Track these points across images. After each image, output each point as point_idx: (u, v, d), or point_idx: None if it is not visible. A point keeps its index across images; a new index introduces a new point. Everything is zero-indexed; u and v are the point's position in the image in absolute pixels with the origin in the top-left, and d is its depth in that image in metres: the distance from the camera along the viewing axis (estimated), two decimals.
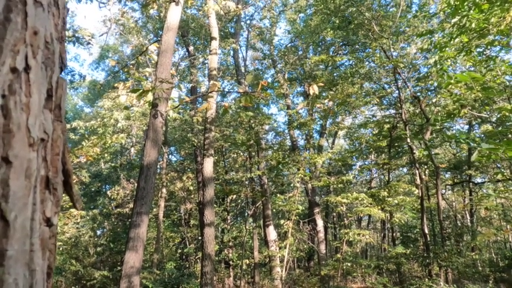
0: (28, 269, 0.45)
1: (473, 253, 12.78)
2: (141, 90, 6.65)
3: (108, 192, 16.30)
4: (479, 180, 16.14)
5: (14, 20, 0.45)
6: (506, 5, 6.94)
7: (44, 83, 0.52)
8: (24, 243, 0.45)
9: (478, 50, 8.86)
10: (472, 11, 7.33)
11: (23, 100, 0.46)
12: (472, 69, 10.41)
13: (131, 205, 15.02)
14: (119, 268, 13.40)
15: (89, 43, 14.20)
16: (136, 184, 13.86)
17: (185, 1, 10.12)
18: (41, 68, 0.51)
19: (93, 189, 17.76)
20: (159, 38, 11.82)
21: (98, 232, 17.15)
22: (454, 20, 7.66)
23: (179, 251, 18.04)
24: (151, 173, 6.61)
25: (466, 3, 7.50)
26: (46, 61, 0.52)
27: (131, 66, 12.01)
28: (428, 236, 12.22)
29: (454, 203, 19.05)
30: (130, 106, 12.66)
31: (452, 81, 6.18)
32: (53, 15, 0.56)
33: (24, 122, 0.46)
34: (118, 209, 16.21)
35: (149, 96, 6.90)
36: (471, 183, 15.31)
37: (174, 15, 7.75)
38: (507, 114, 10.47)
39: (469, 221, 16.16)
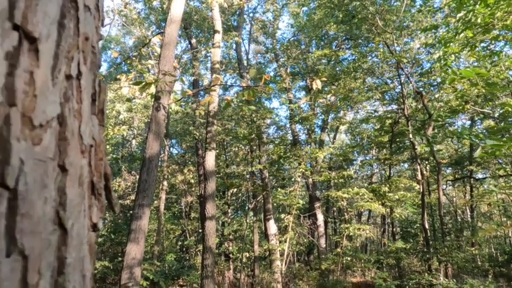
0: (81, 275, 0.45)
1: (473, 248, 12.84)
2: (144, 83, 6.63)
3: None
4: (480, 175, 16.16)
5: (67, 26, 0.45)
6: None
7: (90, 88, 0.51)
8: (80, 250, 0.45)
9: (482, 45, 8.82)
10: (477, 6, 7.29)
11: (75, 107, 0.46)
12: (476, 64, 10.37)
13: (132, 197, 15.07)
14: (120, 259, 13.48)
15: None
16: (137, 176, 13.88)
17: None
18: (89, 73, 0.51)
19: None
20: (162, 30, 11.74)
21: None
22: (459, 15, 7.61)
23: (179, 243, 18.14)
24: (153, 166, 6.62)
25: None
26: (91, 65, 0.52)
27: (133, 58, 11.97)
28: (428, 231, 12.27)
29: (454, 199, 19.10)
30: (132, 98, 12.62)
31: (457, 77, 6.15)
32: (94, 18, 0.56)
33: (77, 129, 0.46)
34: (119, 201, 16.23)
35: (152, 89, 6.89)
36: (472, 179, 15.33)
37: (178, 8, 7.67)
38: (510, 109, 10.45)
39: (469, 216, 16.21)
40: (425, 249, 12.18)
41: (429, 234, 12.44)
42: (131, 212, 6.88)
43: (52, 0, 0.42)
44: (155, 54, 12.71)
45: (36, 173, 0.38)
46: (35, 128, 0.38)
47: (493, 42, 8.43)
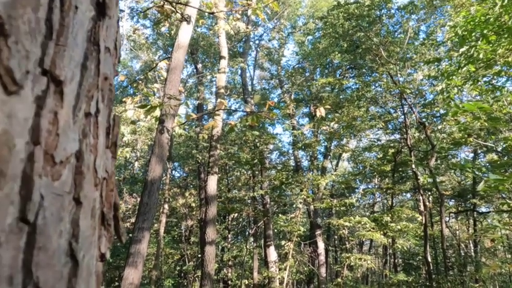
0: None
1: (477, 285, 12.54)
2: (149, 106, 6.70)
3: None
4: (483, 209, 15.97)
5: (89, 67, 0.48)
6: None
7: (105, 123, 0.54)
8: (88, 282, 0.46)
9: (484, 79, 8.93)
10: (479, 42, 7.43)
11: (91, 142, 0.48)
12: (478, 98, 10.47)
13: (132, 220, 14.95)
14: (116, 283, 13.24)
15: None
16: (138, 199, 13.81)
17: (197, 20, 10.31)
18: (105, 109, 0.54)
19: None
20: (169, 55, 11.96)
21: None
22: (461, 50, 7.76)
23: (178, 268, 17.84)
24: (154, 189, 6.60)
25: (473, 34, 7.61)
26: (108, 102, 0.55)
27: (140, 81, 12.15)
28: (431, 264, 12.03)
29: (457, 232, 18.82)
30: (136, 120, 12.72)
31: (459, 110, 6.20)
32: (112, 57, 0.59)
33: (92, 163, 0.48)
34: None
35: (157, 112, 6.96)
36: (475, 212, 15.14)
37: (185, 34, 7.84)
38: None
39: (472, 250, 15.92)
40: (428, 283, 11.91)
41: (431, 268, 12.19)
42: (130, 235, 6.84)
43: (78, 45, 0.46)
44: (162, 78, 12.92)
45: (54, 207, 0.40)
46: (55, 165, 0.41)
47: (495, 77, 8.54)
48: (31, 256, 0.37)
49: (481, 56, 7.18)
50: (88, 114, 0.48)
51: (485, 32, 7.00)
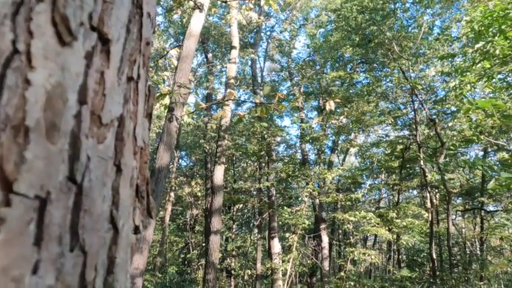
0: (126, 277, 0.45)
1: (482, 283, 12.49)
2: (159, 94, 6.70)
3: None
4: (491, 208, 15.86)
5: (132, 30, 0.46)
6: None
7: (144, 90, 0.53)
8: (126, 252, 0.45)
9: (499, 76, 8.78)
10: (496, 37, 7.29)
11: (131, 109, 0.47)
12: (491, 95, 10.32)
13: None
14: None
15: None
16: None
17: (209, 9, 10.23)
18: (145, 77, 0.52)
19: None
20: (180, 43, 11.93)
21: None
22: (477, 46, 7.62)
23: (182, 256, 18.00)
24: (161, 176, 6.62)
25: (490, 29, 7.46)
26: (146, 69, 0.54)
27: (150, 69, 12.14)
28: (435, 261, 12.00)
29: (463, 230, 18.73)
30: None
31: (472, 107, 6.11)
32: (151, 25, 0.58)
33: (132, 130, 0.47)
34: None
35: (166, 100, 6.95)
36: (483, 211, 15.04)
37: (197, 22, 7.78)
38: None
39: (478, 249, 15.85)
40: (432, 280, 11.89)
41: (436, 265, 12.16)
42: None
43: (124, 5, 0.44)
44: (172, 66, 12.91)
45: (99, 171, 0.39)
46: (101, 126, 0.39)
47: (510, 74, 8.39)
48: (78, 218, 0.36)
49: (497, 52, 7.05)
50: (130, 79, 0.46)
51: (503, 27, 6.85)
